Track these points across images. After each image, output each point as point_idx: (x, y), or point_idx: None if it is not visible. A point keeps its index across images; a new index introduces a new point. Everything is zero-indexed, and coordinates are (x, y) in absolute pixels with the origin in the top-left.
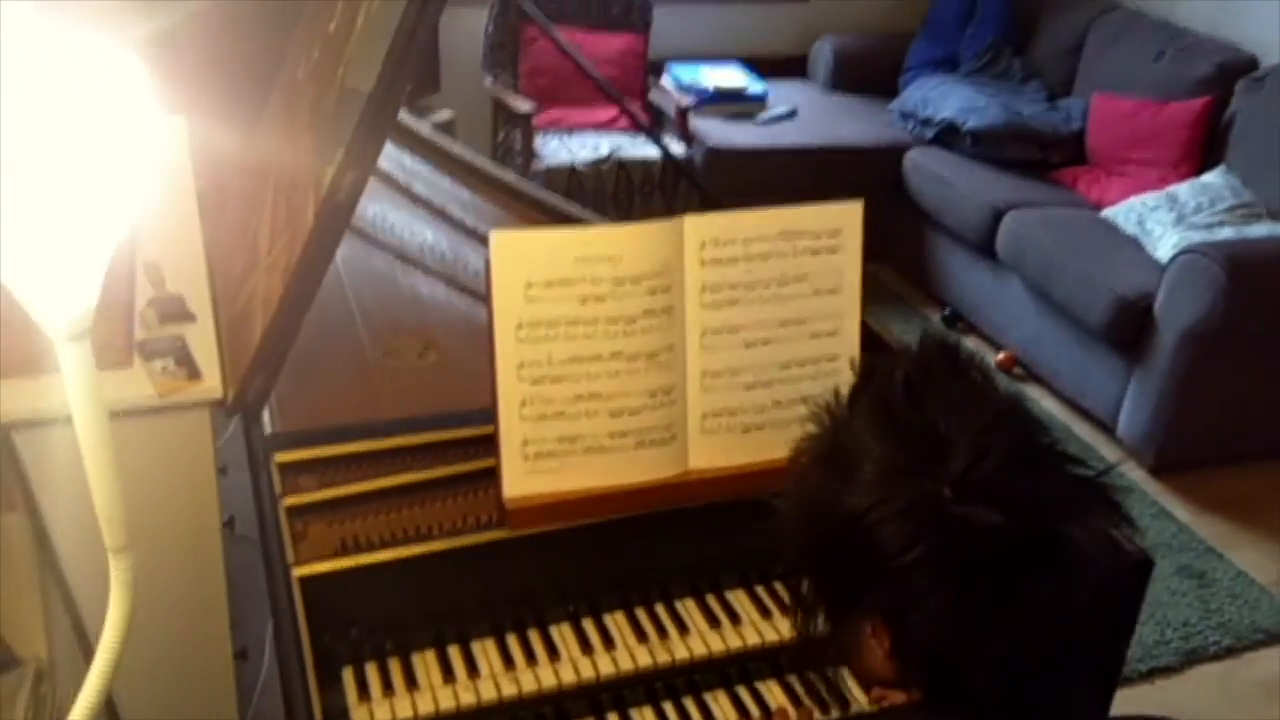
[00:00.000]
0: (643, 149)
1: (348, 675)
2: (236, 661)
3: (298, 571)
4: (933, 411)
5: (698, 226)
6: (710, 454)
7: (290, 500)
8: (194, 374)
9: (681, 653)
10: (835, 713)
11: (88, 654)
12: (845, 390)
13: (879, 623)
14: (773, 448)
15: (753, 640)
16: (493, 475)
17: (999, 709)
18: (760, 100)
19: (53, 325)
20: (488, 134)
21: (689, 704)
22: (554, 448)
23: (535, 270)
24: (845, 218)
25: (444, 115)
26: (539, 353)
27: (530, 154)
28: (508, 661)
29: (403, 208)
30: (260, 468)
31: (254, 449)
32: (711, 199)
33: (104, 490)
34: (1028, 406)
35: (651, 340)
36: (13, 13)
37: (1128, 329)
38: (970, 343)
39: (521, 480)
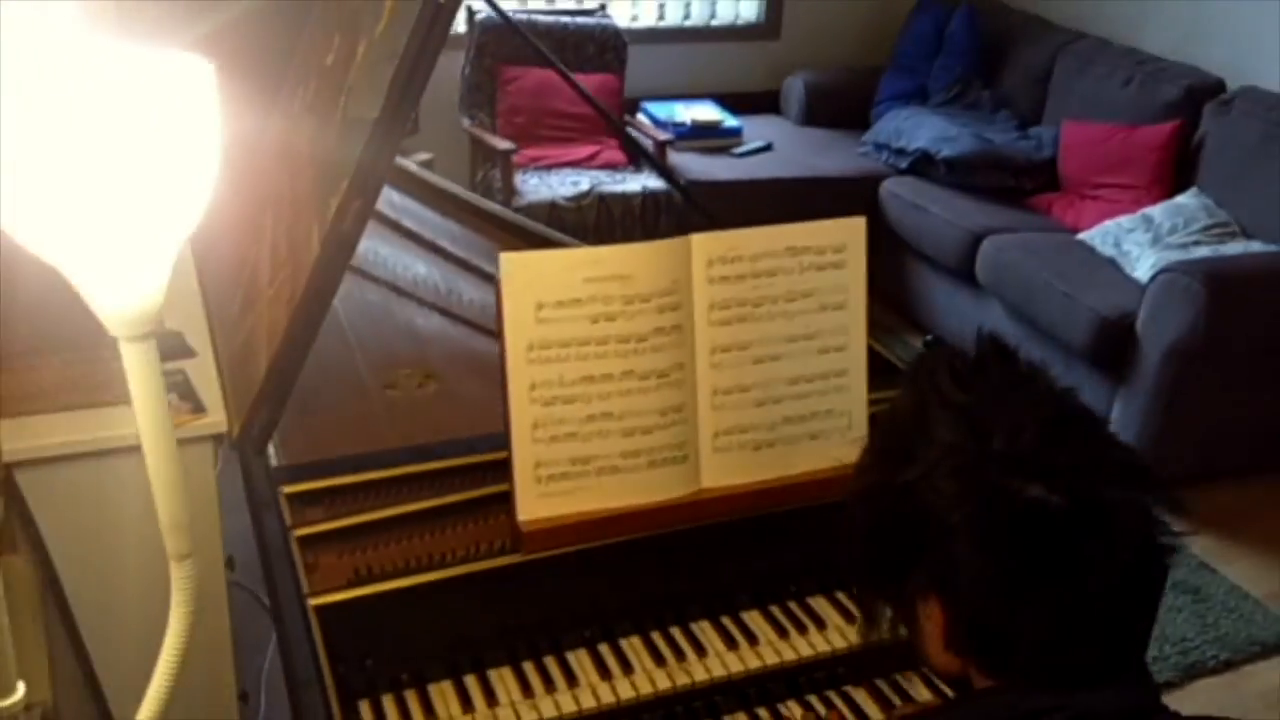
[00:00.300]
0: (623, 184)
1: (365, 708)
2: (240, 703)
3: (313, 602)
4: (980, 393)
5: (705, 244)
6: (723, 472)
7: (301, 531)
8: (198, 408)
9: (700, 675)
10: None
11: (96, 696)
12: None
13: (933, 598)
14: (784, 464)
15: (771, 660)
16: (503, 500)
17: (1047, 679)
18: (736, 134)
19: (117, 325)
20: (466, 173)
21: None
22: (567, 469)
23: (546, 291)
24: (849, 233)
25: (422, 156)
26: (550, 373)
27: (511, 191)
28: (526, 690)
29: (393, 243)
30: (265, 501)
31: (255, 482)
32: (704, 226)
33: (168, 497)
34: (1077, 395)
35: (662, 359)
36: (72, 19)
37: (1111, 349)
38: None
39: (535, 503)
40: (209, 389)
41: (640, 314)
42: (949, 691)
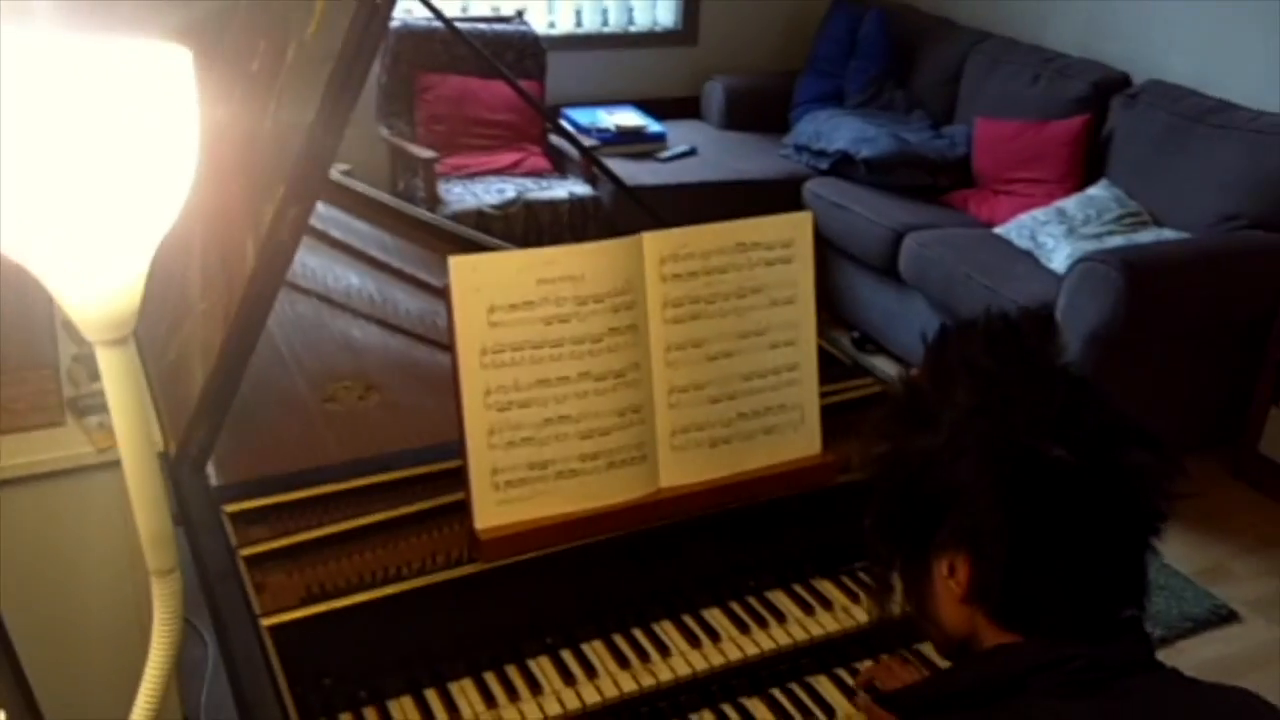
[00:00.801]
0: (549, 190)
1: None
2: None
3: (266, 622)
4: (1009, 361)
5: (657, 243)
6: (681, 470)
7: (247, 550)
8: None
9: (665, 675)
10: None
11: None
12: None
13: (957, 558)
14: (742, 460)
15: (734, 656)
16: (458, 510)
17: (1070, 633)
18: (660, 139)
19: (94, 329)
20: (386, 183)
21: None
22: (525, 475)
23: (497, 294)
24: (796, 228)
25: (342, 167)
26: (505, 378)
27: (435, 200)
28: (489, 700)
29: (322, 254)
30: (204, 522)
31: (193, 503)
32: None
33: (148, 510)
34: (1073, 367)
35: (618, 359)
36: (45, 17)
37: None
38: (880, 362)
39: (493, 510)
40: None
41: (594, 314)
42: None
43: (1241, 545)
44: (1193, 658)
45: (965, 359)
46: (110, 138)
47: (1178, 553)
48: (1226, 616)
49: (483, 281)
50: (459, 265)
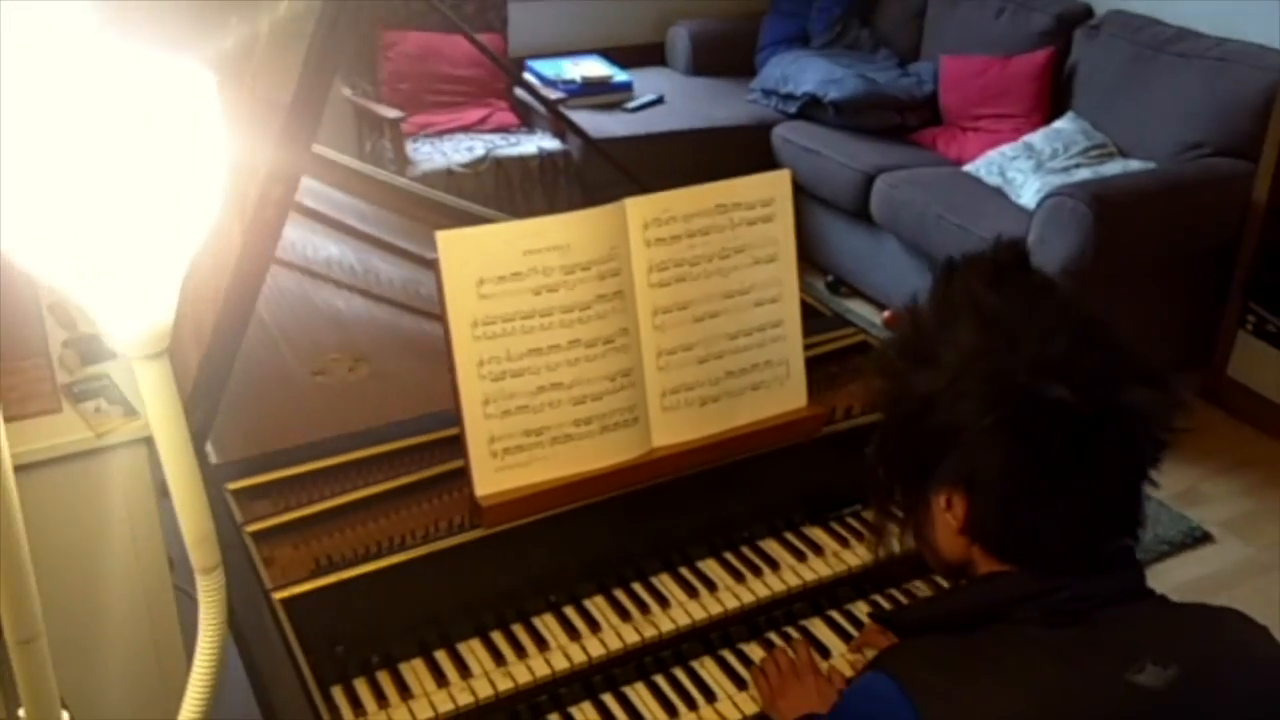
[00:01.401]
0: (518, 146)
1: (339, 695)
2: None
3: (278, 595)
4: (1012, 299)
5: (640, 208)
6: (672, 430)
7: (253, 527)
8: (129, 411)
9: (665, 625)
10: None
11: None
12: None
13: (955, 493)
14: (731, 417)
15: (731, 604)
16: (457, 477)
17: (1063, 569)
18: (627, 89)
19: (129, 344)
20: (353, 146)
21: (679, 674)
22: (521, 442)
23: (485, 267)
24: (775, 186)
25: None
26: (497, 349)
27: (404, 160)
28: (497, 658)
29: (299, 225)
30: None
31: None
32: (606, 183)
33: (192, 512)
34: (1087, 303)
35: (607, 325)
36: (79, 26)
37: None
38: (855, 305)
39: (492, 477)
40: (137, 390)
41: (581, 282)
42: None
43: (1213, 468)
44: (1170, 580)
45: (971, 295)
46: (144, 156)
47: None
48: (1201, 538)
49: (471, 255)
50: (446, 240)
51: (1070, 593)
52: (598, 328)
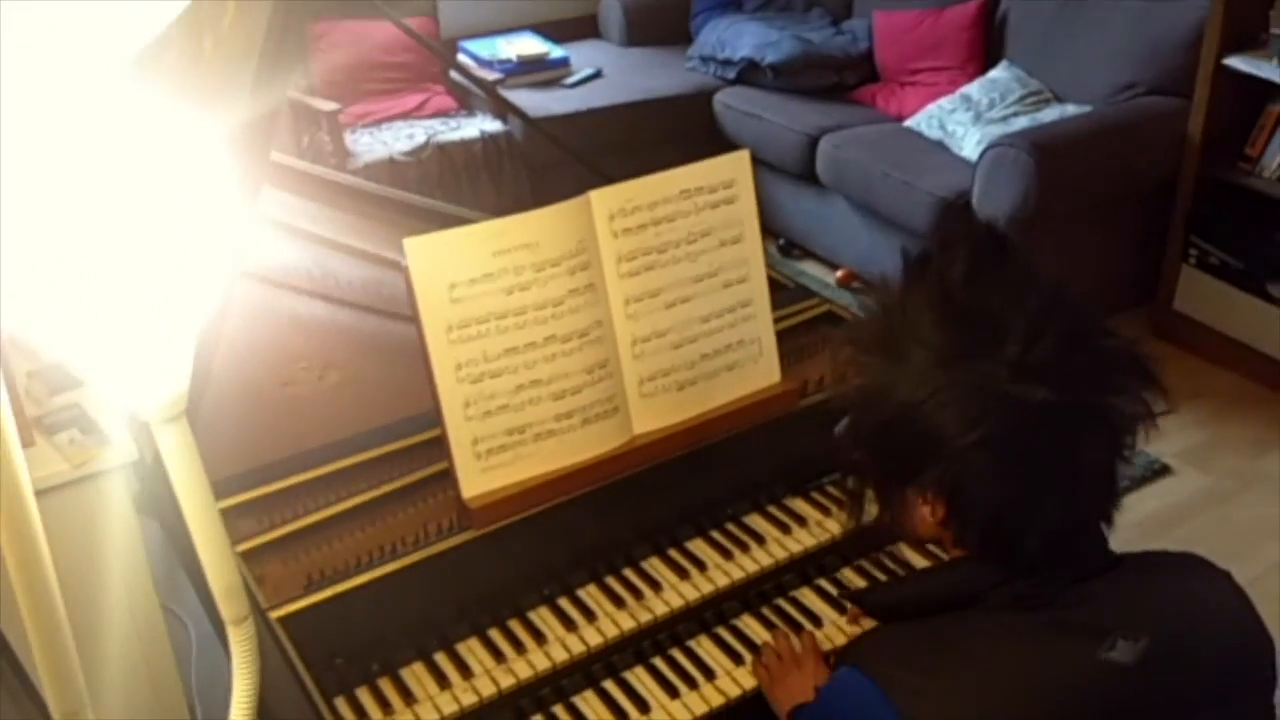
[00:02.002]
0: (459, 131)
1: (343, 705)
2: None
3: (274, 614)
4: (989, 296)
5: (604, 200)
6: (652, 417)
7: (242, 546)
8: (102, 440)
9: (660, 609)
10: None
11: None
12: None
13: (936, 501)
14: (708, 399)
15: (722, 582)
16: (443, 480)
17: (1043, 562)
18: (564, 65)
19: (149, 409)
20: (290, 141)
21: (677, 655)
22: (504, 441)
23: (456, 270)
24: (735, 167)
25: None
26: (474, 351)
27: (343, 153)
28: (497, 656)
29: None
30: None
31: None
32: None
33: (218, 566)
34: (1067, 288)
35: (580, 319)
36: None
37: (951, 228)
38: (808, 267)
39: (478, 479)
40: (109, 416)
41: (553, 279)
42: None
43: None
44: (1132, 514)
45: (944, 290)
46: (162, 221)
47: None
48: (1160, 470)
49: (440, 260)
50: (414, 247)
51: (1039, 577)
52: (572, 322)
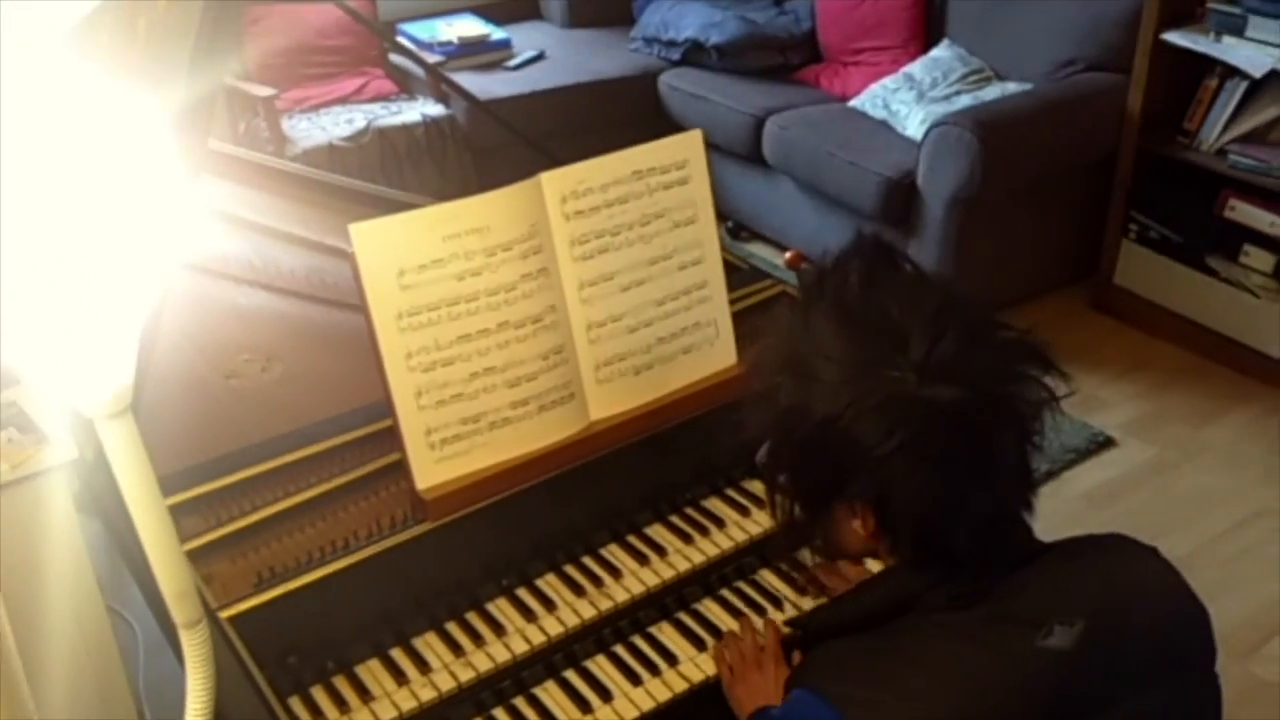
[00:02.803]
0: (399, 115)
1: (298, 705)
2: None
3: (224, 614)
4: (886, 305)
5: (555, 182)
6: (609, 402)
7: (187, 546)
8: (41, 439)
9: (621, 596)
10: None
11: None
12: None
13: (864, 511)
14: (665, 383)
15: (683, 567)
16: (395, 472)
17: (975, 558)
18: (505, 47)
19: (93, 406)
20: (226, 128)
21: (639, 642)
22: (459, 430)
23: (404, 256)
24: (688, 147)
25: None
26: (425, 339)
27: (280, 140)
28: (456, 649)
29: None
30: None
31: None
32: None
33: (168, 568)
34: (958, 286)
35: (534, 304)
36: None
37: (897, 206)
38: (756, 248)
39: (432, 469)
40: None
41: (505, 264)
42: None
43: (1109, 374)
44: (1078, 486)
45: (843, 304)
46: (109, 208)
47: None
48: (1104, 443)
49: (388, 246)
50: (361, 233)
51: (971, 573)
52: (525, 307)
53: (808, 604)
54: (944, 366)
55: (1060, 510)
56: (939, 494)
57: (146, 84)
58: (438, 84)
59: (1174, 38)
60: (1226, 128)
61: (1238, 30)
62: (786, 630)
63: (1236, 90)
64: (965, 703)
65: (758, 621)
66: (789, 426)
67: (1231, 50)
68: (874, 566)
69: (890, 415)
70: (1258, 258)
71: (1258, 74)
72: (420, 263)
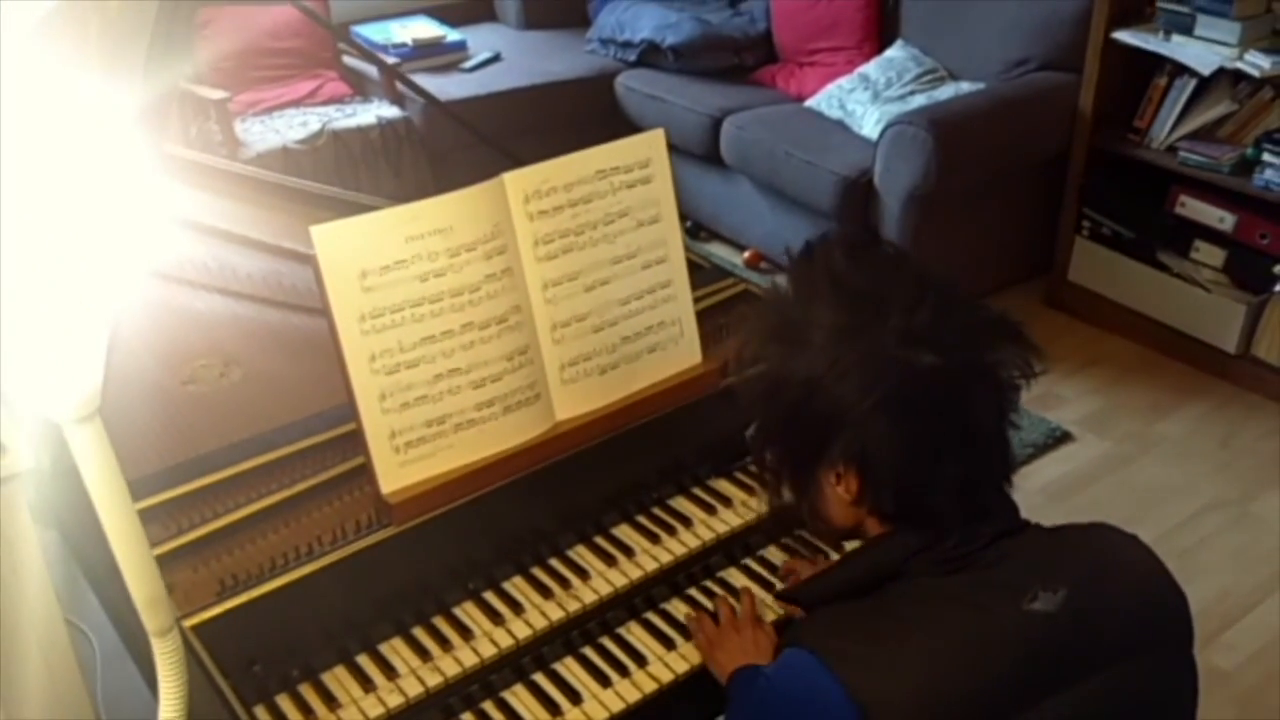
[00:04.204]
0: (354, 117)
1: (263, 714)
2: None
3: (187, 623)
4: (870, 275)
5: (518, 182)
6: (575, 402)
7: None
8: None
9: (589, 597)
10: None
11: None
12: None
13: (846, 470)
14: (630, 382)
15: (650, 567)
16: (359, 476)
17: (955, 523)
18: (461, 49)
19: (60, 410)
20: (177, 132)
21: (607, 643)
22: (423, 433)
23: (366, 258)
24: (650, 147)
25: None
26: (388, 341)
27: (234, 143)
28: (423, 654)
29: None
30: (88, 533)
31: (71, 515)
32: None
33: (138, 575)
34: (931, 268)
35: (498, 304)
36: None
37: (854, 205)
38: (715, 248)
39: (396, 473)
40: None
41: (468, 264)
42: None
43: (1065, 369)
44: (1037, 480)
45: (831, 272)
46: (52, 212)
47: None
48: (1061, 437)
49: (349, 247)
50: (322, 235)
51: (956, 539)
52: (490, 308)
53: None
54: (923, 333)
55: (1019, 504)
56: (917, 452)
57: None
58: (393, 86)
59: (1124, 36)
60: (1176, 125)
61: (1186, 29)
62: (769, 604)
63: (1186, 88)
64: (953, 660)
65: (729, 598)
66: (778, 391)
67: (1181, 49)
68: None
69: (870, 373)
70: (1208, 253)
71: (1206, 72)
72: (383, 264)
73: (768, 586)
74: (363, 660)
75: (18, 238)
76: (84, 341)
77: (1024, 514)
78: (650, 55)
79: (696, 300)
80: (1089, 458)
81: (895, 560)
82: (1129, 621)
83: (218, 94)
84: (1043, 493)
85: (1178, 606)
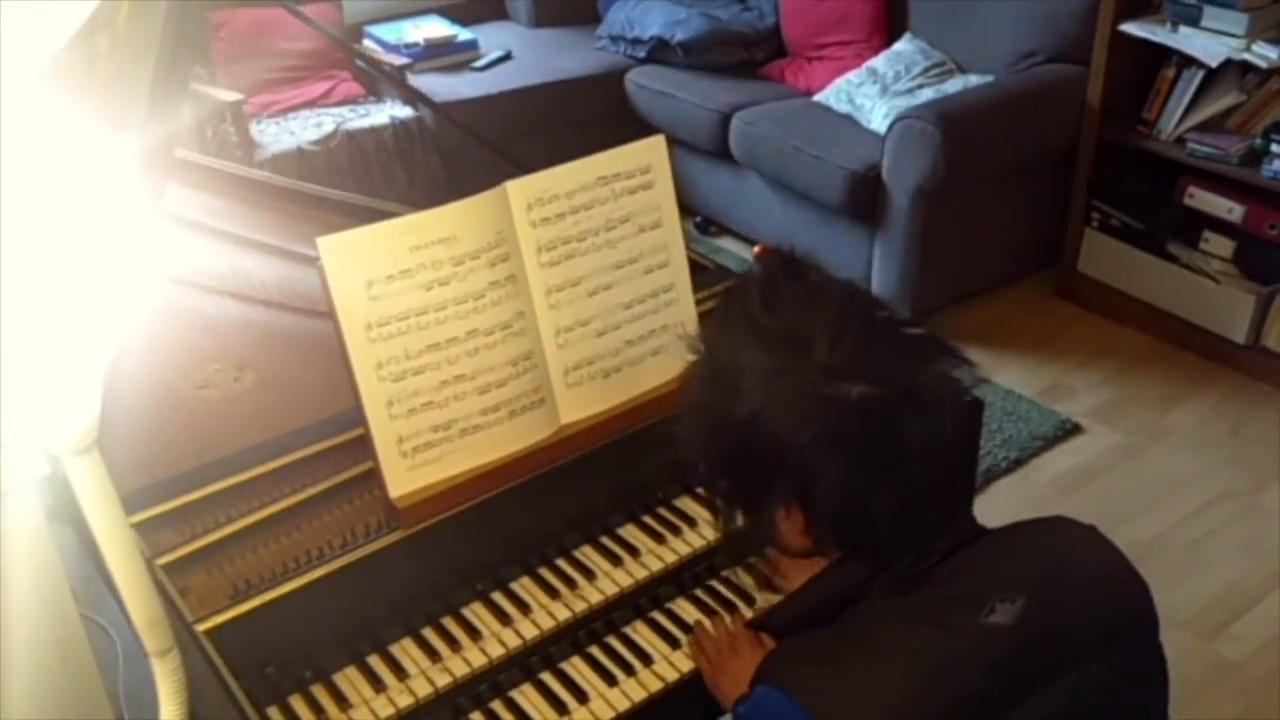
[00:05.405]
0: (368, 118)
1: (276, 714)
2: None
3: (200, 627)
4: (788, 315)
5: (521, 190)
6: (579, 406)
7: (163, 559)
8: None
9: (595, 597)
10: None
11: None
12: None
13: (791, 504)
14: (634, 385)
15: (656, 567)
16: (368, 480)
17: (902, 546)
18: (472, 47)
19: (59, 442)
20: (193, 134)
21: (614, 642)
22: (430, 438)
23: (372, 268)
24: (651, 153)
25: None
26: (395, 349)
27: (249, 144)
28: (432, 655)
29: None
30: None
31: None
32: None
33: (139, 598)
34: (861, 288)
35: (502, 311)
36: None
37: (863, 200)
38: (725, 243)
39: (404, 478)
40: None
41: (472, 272)
42: None
43: (1075, 361)
44: (1047, 472)
45: (749, 319)
46: (52, 247)
47: (1019, 377)
48: (1071, 430)
49: (355, 258)
50: (328, 246)
51: (910, 559)
52: (494, 315)
53: (775, 599)
54: (848, 364)
55: (1029, 497)
56: (854, 483)
57: (110, 107)
58: (404, 87)
59: (1131, 28)
60: (1184, 116)
61: (1193, 20)
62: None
63: (1193, 79)
64: (915, 681)
65: (726, 616)
66: (718, 435)
67: (1188, 40)
68: None
69: (799, 412)
70: (1217, 243)
71: (1214, 63)
72: (388, 274)
73: (766, 586)
74: (373, 661)
75: (17, 274)
76: (80, 375)
77: (1033, 507)
78: (660, 51)
79: (699, 301)
80: (1100, 449)
81: (852, 585)
82: (1091, 621)
83: (233, 96)
84: (1052, 485)
85: (1140, 598)
